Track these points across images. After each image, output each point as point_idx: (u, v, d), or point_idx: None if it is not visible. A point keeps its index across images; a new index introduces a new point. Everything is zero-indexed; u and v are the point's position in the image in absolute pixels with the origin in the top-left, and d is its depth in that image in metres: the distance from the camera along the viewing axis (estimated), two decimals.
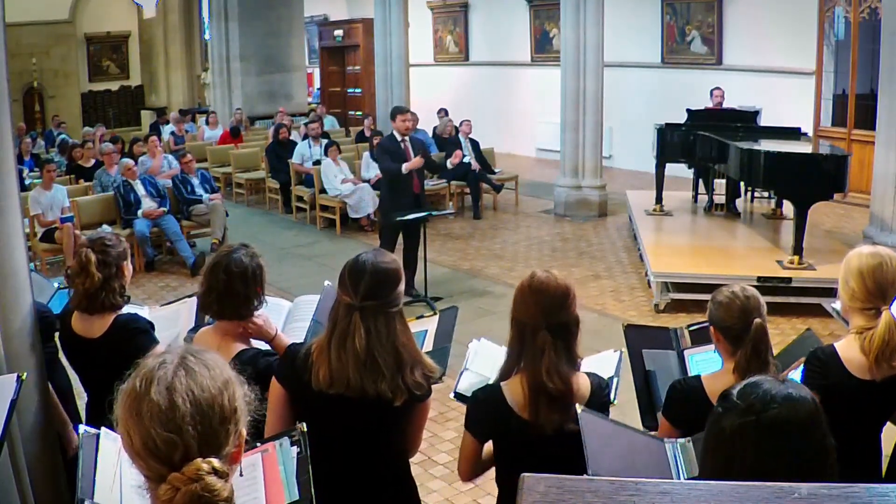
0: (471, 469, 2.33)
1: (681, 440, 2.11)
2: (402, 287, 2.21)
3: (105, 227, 8.06)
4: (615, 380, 2.57)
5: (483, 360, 2.66)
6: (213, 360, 1.24)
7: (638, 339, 2.87)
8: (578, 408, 2.08)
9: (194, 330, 2.56)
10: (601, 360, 2.67)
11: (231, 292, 2.39)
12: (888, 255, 2.44)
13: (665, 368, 2.62)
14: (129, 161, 8.89)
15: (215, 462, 1.15)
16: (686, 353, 2.62)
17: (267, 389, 2.33)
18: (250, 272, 2.41)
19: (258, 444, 1.85)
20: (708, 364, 2.56)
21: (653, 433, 2.22)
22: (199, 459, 1.14)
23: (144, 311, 3.17)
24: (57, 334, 2.89)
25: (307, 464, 1.81)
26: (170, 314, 3.07)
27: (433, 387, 2.30)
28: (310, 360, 2.15)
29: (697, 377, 2.34)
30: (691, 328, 2.86)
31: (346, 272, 2.18)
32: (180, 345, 1.28)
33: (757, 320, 2.24)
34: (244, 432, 1.24)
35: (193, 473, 1.13)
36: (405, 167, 6.72)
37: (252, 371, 2.34)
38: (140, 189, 8.42)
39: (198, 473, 1.13)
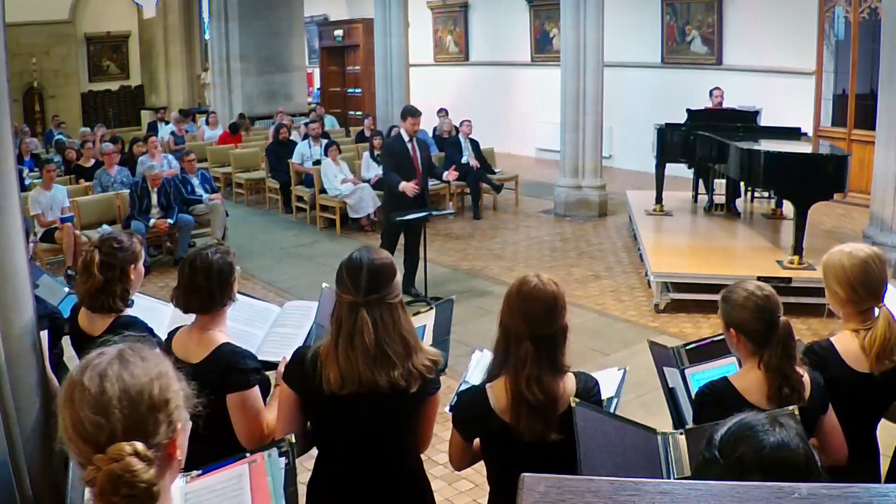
0: (460, 462, 2.37)
1: (673, 431, 2.10)
2: (399, 278, 2.23)
3: (105, 226, 8.06)
4: (615, 400, 2.52)
5: (481, 371, 2.63)
6: (150, 355, 1.30)
7: (656, 354, 2.84)
8: (573, 401, 2.05)
9: (174, 331, 2.57)
10: (603, 378, 2.58)
11: (195, 287, 2.42)
12: (869, 255, 2.42)
13: (677, 385, 2.61)
14: (166, 169, 9.01)
15: (138, 445, 1.18)
16: (686, 371, 2.61)
17: (244, 386, 2.34)
18: (215, 269, 2.43)
19: (247, 455, 1.87)
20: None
21: (646, 425, 2.20)
22: (123, 442, 1.17)
23: (168, 309, 3.16)
24: (66, 337, 2.89)
25: (295, 475, 1.83)
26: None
27: None
28: (318, 364, 2.16)
29: (724, 378, 2.27)
30: (688, 347, 2.85)
31: (343, 272, 2.20)
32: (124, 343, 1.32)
33: (783, 319, 2.18)
34: (180, 427, 1.27)
35: (115, 454, 1.16)
36: (401, 187, 6.77)
37: (228, 366, 2.34)
38: (154, 197, 8.38)
39: (119, 454, 1.16)
